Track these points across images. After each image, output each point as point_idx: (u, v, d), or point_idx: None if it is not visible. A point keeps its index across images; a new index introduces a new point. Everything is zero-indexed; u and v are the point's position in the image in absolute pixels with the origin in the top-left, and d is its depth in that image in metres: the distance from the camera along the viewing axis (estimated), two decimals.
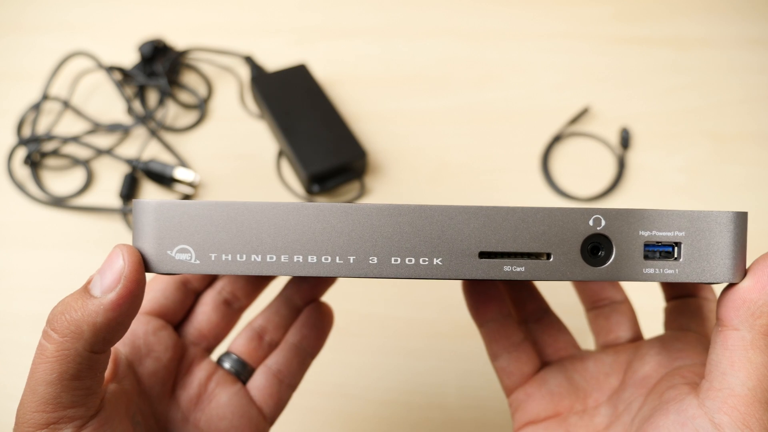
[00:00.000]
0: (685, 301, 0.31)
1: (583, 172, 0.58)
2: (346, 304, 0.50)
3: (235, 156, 0.58)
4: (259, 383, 0.33)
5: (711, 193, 0.56)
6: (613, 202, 0.56)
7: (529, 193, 0.57)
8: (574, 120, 0.60)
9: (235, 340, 0.34)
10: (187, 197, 0.55)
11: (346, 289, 0.51)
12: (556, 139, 0.59)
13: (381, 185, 0.56)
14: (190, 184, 0.55)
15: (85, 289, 0.23)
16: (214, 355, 0.34)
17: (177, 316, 0.32)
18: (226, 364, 0.33)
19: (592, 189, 0.57)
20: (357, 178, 0.55)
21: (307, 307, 0.34)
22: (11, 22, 0.67)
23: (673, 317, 0.32)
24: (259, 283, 0.34)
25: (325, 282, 0.35)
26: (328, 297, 0.35)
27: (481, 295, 0.33)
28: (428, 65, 0.65)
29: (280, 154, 0.58)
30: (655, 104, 0.62)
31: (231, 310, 0.33)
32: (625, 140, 0.58)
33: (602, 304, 0.33)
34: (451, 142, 0.59)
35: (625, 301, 0.34)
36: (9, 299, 0.49)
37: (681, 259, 0.23)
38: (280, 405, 0.33)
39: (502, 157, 0.59)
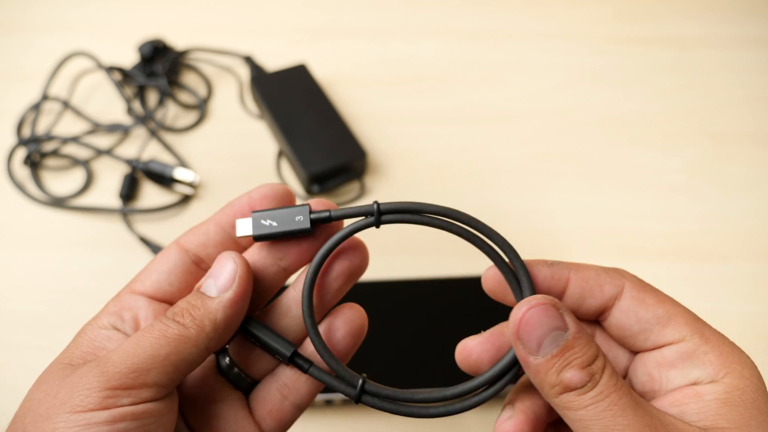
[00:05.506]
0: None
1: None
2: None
3: (235, 156, 0.58)
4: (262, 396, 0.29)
5: (710, 193, 0.56)
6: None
7: (529, 193, 0.56)
8: None
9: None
10: (186, 197, 0.55)
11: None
12: None
13: (381, 185, 0.56)
14: (190, 185, 0.55)
15: (199, 291, 0.25)
16: None
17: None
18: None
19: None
20: (357, 178, 0.55)
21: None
22: (11, 23, 0.68)
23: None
24: None
25: None
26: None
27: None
28: (428, 65, 0.65)
29: (280, 154, 0.58)
30: (655, 104, 0.62)
31: None
32: None
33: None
34: (451, 142, 0.59)
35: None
36: (9, 299, 0.49)
37: None
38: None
39: (502, 157, 0.59)
